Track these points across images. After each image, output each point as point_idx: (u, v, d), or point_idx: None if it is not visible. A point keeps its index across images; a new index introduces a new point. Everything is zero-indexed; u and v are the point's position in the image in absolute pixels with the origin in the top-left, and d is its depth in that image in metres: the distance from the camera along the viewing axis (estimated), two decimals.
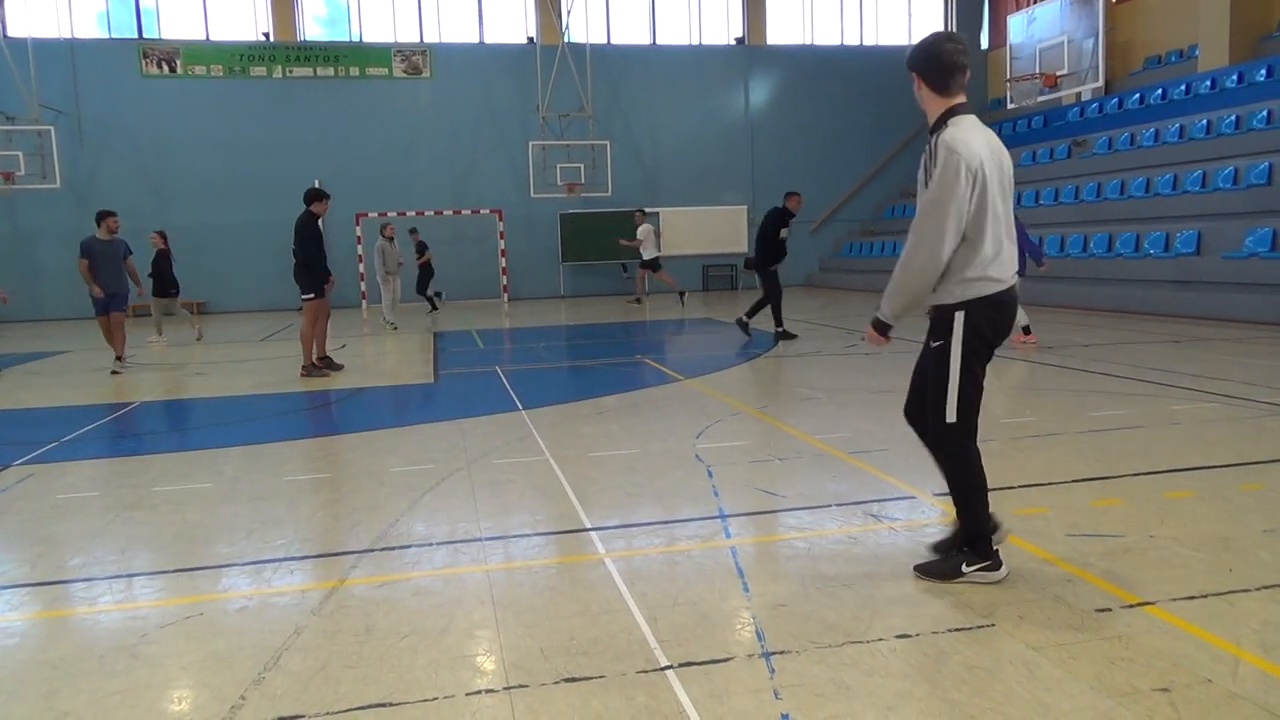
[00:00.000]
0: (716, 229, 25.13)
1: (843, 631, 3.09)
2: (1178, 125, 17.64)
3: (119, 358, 11.20)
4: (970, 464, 3.45)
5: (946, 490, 3.56)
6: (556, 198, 23.12)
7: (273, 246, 20.67)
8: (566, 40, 23.18)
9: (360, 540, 4.29)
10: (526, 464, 5.68)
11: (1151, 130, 18.29)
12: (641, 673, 2.84)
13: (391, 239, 16.29)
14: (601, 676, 2.82)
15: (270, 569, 3.95)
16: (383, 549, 4.16)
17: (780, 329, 11.93)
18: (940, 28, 26.36)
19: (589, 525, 4.42)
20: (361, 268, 22.34)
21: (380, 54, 23.19)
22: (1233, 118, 16.39)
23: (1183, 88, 18.85)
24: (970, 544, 3.48)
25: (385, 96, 23.23)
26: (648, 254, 19.43)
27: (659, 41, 24.91)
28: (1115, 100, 20.83)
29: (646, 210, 21.73)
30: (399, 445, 6.48)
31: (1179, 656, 2.81)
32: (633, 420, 7.01)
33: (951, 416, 3.37)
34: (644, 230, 19.47)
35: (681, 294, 20.09)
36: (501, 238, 23.37)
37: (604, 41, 24.37)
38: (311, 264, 9.68)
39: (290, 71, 22.79)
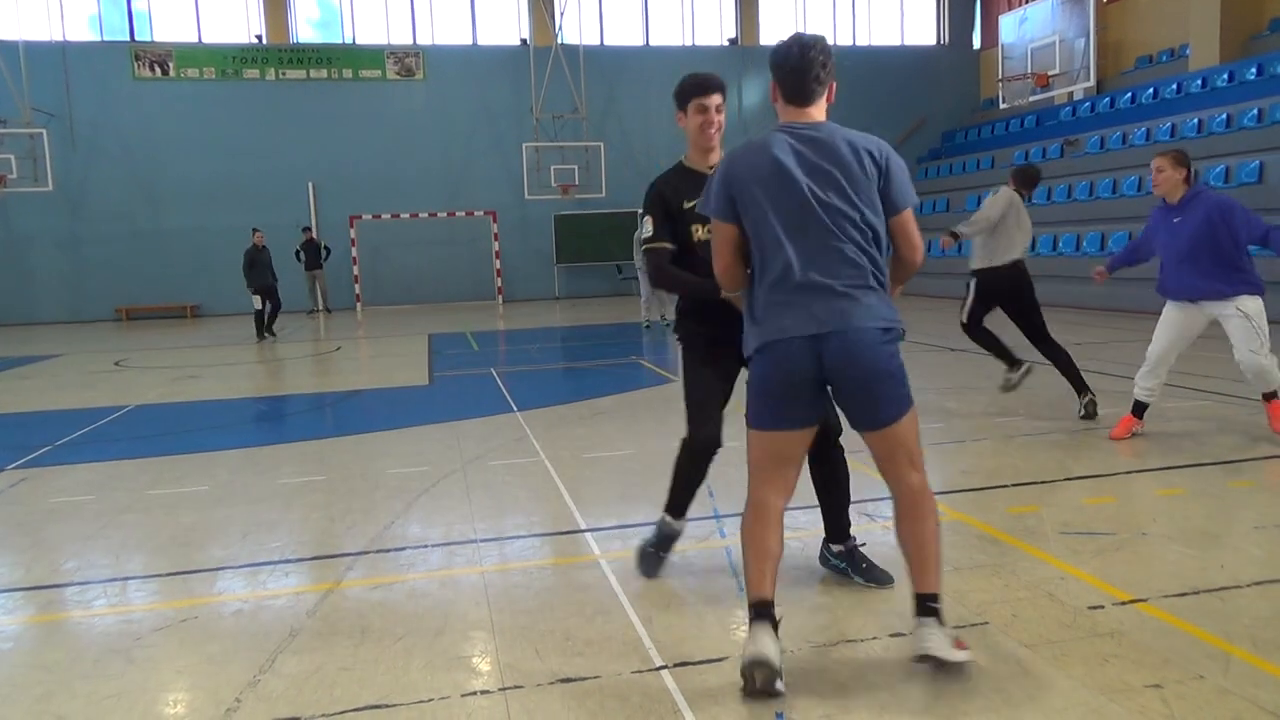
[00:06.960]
0: None
1: (837, 630, 3.10)
2: (1169, 124, 17.69)
3: None
4: None
5: (941, 490, 3.57)
6: (551, 199, 23.09)
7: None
8: (560, 42, 23.17)
9: (355, 543, 4.28)
10: (521, 465, 5.69)
11: (1143, 129, 18.34)
12: (636, 673, 2.85)
13: None
14: (597, 677, 2.83)
15: (265, 572, 3.95)
16: (378, 551, 4.16)
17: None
18: (933, 28, 26.51)
19: (584, 526, 4.42)
20: (357, 270, 22.32)
21: (373, 56, 23.15)
22: (1224, 116, 16.45)
23: (1174, 87, 18.91)
24: None
25: (379, 99, 23.17)
26: None
27: (652, 42, 24.91)
28: (1107, 99, 20.89)
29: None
30: (394, 448, 6.48)
31: (1171, 653, 2.82)
32: (628, 421, 7.02)
33: None
34: None
35: None
36: (496, 240, 23.33)
37: (597, 43, 24.36)
38: None
39: (283, 74, 22.74)
